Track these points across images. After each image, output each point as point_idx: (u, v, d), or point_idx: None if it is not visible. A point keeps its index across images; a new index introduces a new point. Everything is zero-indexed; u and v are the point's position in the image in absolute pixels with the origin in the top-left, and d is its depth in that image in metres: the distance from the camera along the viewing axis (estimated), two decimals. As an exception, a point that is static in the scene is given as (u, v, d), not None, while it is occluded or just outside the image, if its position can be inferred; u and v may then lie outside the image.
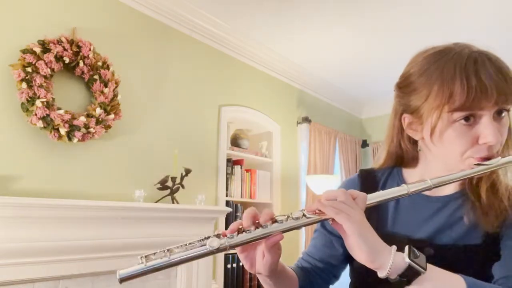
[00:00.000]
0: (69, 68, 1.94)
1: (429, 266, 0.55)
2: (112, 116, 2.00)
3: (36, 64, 1.75)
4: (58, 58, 1.85)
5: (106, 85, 2.00)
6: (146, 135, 2.31)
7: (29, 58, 1.74)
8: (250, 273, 2.84)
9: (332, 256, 0.80)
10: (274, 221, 0.58)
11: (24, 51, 1.75)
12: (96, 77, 1.98)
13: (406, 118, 0.71)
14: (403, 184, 0.62)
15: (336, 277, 0.83)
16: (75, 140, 1.87)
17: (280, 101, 3.46)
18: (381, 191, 0.62)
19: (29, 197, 1.64)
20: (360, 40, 3.02)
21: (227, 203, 2.77)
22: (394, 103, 0.74)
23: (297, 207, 3.40)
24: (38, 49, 1.78)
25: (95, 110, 1.94)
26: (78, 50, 1.92)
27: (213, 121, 2.79)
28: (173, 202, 2.24)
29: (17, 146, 1.77)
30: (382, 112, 4.32)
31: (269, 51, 3.21)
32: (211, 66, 2.83)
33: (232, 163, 2.91)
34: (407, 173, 0.79)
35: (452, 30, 2.80)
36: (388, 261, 0.54)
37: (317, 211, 0.58)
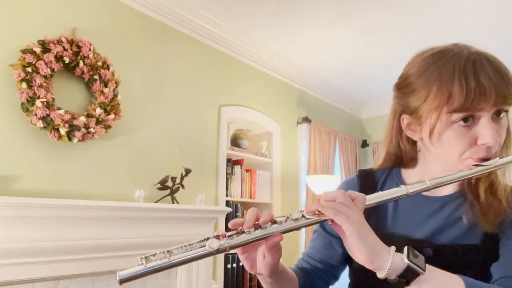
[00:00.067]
0: (69, 68, 1.94)
1: (428, 266, 0.55)
2: (112, 116, 2.01)
3: (36, 64, 1.76)
4: (58, 58, 1.85)
5: (106, 85, 2.00)
6: (146, 135, 2.31)
7: (29, 58, 1.74)
8: (250, 273, 2.84)
9: (332, 257, 0.80)
10: (273, 222, 0.58)
11: (24, 51, 1.75)
12: (96, 77, 1.99)
13: (405, 119, 0.71)
14: (402, 185, 0.62)
15: (335, 277, 0.83)
16: (75, 140, 1.87)
17: (280, 101, 3.46)
18: (380, 192, 0.62)
19: (29, 197, 1.64)
20: (360, 40, 3.02)
21: (227, 203, 2.77)
22: (393, 103, 0.75)
23: (297, 207, 3.40)
24: (38, 49, 1.78)
25: (95, 110, 1.94)
26: (78, 50, 1.92)
27: (213, 121, 2.79)
28: (173, 202, 2.24)
29: (17, 146, 1.77)
30: (382, 112, 4.32)
31: (269, 51, 3.21)
32: (211, 66, 2.83)
33: (232, 163, 2.91)
34: (406, 173, 0.79)
35: (452, 30, 2.80)
36: (387, 261, 0.54)
37: (316, 212, 0.58)
